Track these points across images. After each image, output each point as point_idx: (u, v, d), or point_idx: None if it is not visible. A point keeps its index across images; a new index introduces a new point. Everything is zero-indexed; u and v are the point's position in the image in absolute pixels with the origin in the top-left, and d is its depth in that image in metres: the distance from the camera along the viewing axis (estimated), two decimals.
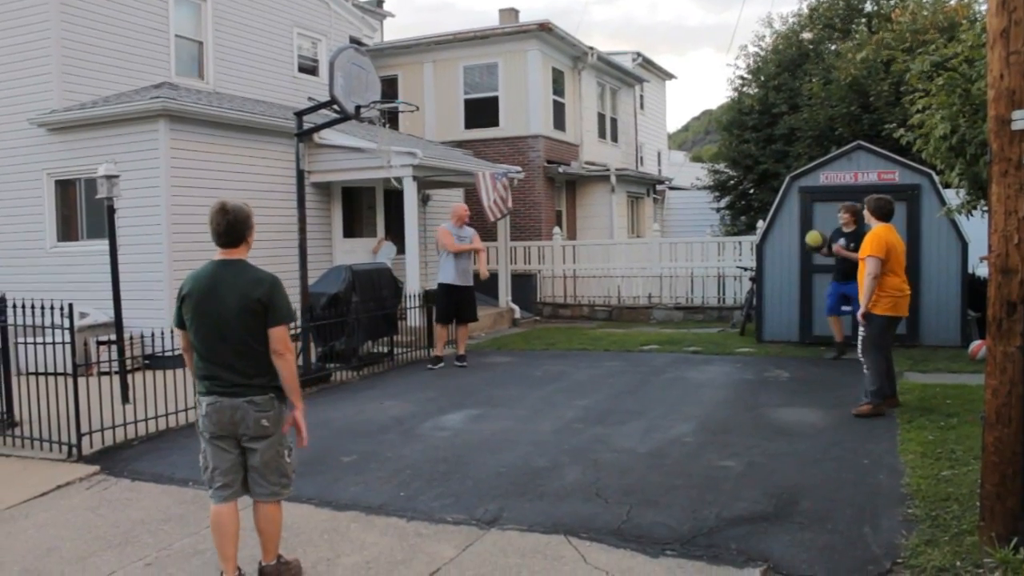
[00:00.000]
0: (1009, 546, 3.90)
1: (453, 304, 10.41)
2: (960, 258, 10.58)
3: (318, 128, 11.03)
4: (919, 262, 10.57)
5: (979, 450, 4.46)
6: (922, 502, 4.83)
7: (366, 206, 14.72)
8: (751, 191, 20.44)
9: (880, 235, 7.03)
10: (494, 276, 15.35)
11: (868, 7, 20.40)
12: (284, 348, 3.86)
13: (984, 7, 8.30)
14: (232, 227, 3.88)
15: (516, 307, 15.47)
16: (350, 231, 14.12)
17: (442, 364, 10.36)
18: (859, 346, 7.29)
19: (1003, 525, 4.02)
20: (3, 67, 11.76)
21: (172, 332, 7.87)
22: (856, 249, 9.51)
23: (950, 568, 3.95)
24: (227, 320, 3.81)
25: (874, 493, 5.09)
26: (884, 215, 7.21)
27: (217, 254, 3.94)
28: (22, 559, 4.55)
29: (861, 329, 7.21)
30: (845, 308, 9.80)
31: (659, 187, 24.95)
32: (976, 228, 9.60)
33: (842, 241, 9.72)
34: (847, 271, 9.44)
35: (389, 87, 17.85)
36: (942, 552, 4.10)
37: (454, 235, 10.43)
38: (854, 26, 20.14)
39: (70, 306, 6.52)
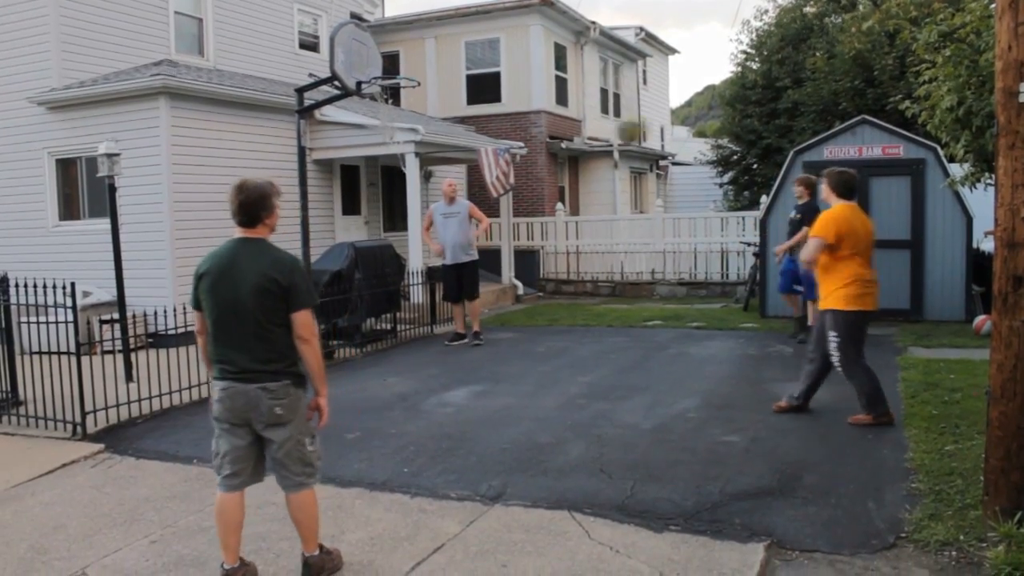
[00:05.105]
0: (1013, 520, 3.90)
1: (455, 282, 10.47)
2: (964, 232, 10.52)
3: (319, 104, 10.96)
4: (923, 237, 10.55)
5: (983, 425, 4.47)
6: (926, 477, 4.83)
7: (367, 183, 14.67)
8: (754, 166, 20.32)
9: (834, 216, 5.92)
10: (497, 252, 15.33)
11: None
12: (309, 334, 3.71)
13: None
14: (244, 206, 3.76)
15: (519, 283, 15.45)
16: (351, 208, 14.08)
17: (464, 340, 10.40)
18: (836, 362, 6.05)
19: (1007, 499, 4.02)
20: (2, 45, 11.68)
21: (175, 310, 7.93)
22: (803, 221, 9.14)
23: (954, 542, 3.95)
24: (243, 300, 3.64)
25: (878, 468, 5.10)
26: (846, 191, 6.07)
27: (236, 232, 3.80)
28: (29, 536, 4.57)
29: (831, 335, 5.98)
30: (797, 287, 9.65)
31: (662, 162, 24.84)
32: (980, 203, 9.54)
33: (793, 212, 9.69)
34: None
35: (391, 63, 17.72)
36: (946, 526, 4.11)
37: (440, 214, 10.45)
38: None
39: (72, 285, 6.51)
